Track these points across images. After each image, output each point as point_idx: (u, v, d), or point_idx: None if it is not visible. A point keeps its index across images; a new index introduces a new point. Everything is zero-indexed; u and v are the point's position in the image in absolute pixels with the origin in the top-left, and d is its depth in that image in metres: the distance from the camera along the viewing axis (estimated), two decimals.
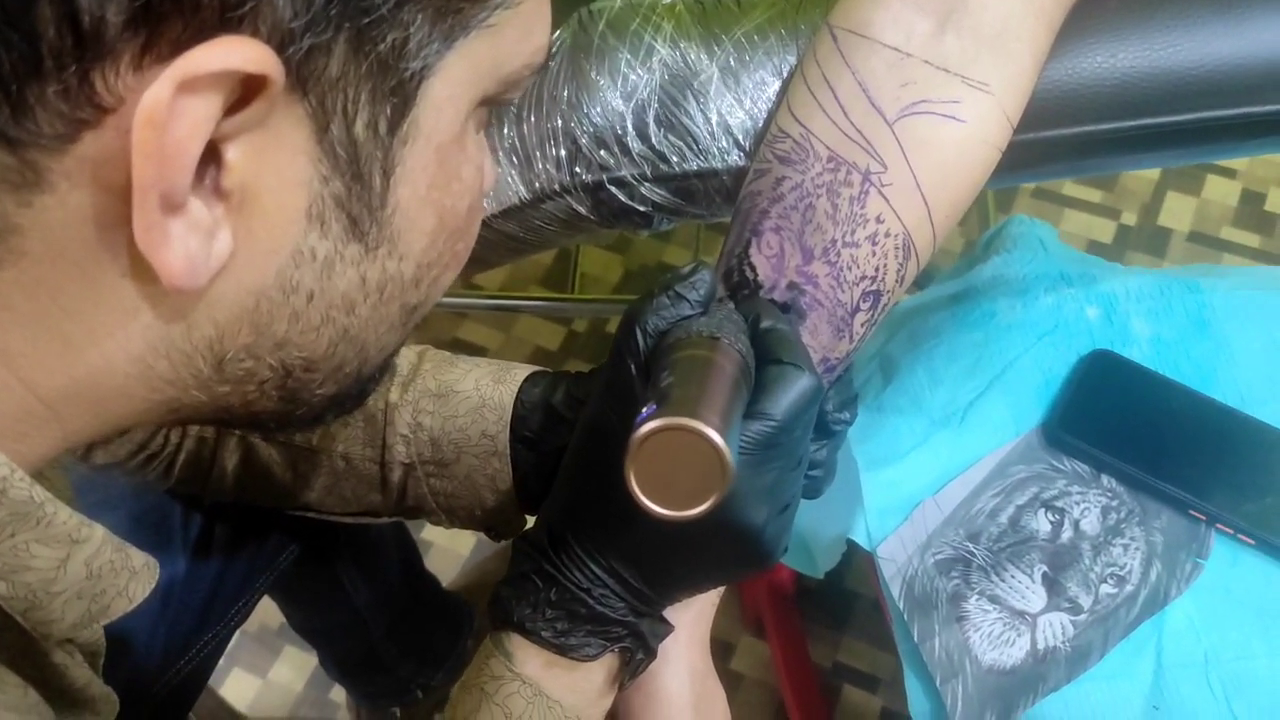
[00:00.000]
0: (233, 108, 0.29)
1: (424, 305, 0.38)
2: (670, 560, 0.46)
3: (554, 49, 0.58)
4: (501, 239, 0.63)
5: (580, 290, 1.30)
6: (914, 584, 0.72)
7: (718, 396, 0.39)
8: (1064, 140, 0.52)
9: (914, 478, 0.76)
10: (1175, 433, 0.76)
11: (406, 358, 0.60)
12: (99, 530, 0.35)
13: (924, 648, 0.70)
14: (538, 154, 0.58)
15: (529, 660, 0.47)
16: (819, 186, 0.49)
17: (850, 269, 0.49)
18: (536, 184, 0.58)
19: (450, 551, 1.30)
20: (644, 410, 0.38)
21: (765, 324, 0.46)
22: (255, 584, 0.73)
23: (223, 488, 0.63)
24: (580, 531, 0.47)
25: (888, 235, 0.49)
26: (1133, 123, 0.51)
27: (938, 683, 0.69)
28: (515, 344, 1.42)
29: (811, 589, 1.17)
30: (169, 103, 0.28)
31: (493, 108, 0.37)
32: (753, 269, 0.50)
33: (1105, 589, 0.71)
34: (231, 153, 0.30)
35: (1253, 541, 0.71)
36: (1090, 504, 0.74)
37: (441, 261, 0.37)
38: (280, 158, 0.31)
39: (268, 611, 0.96)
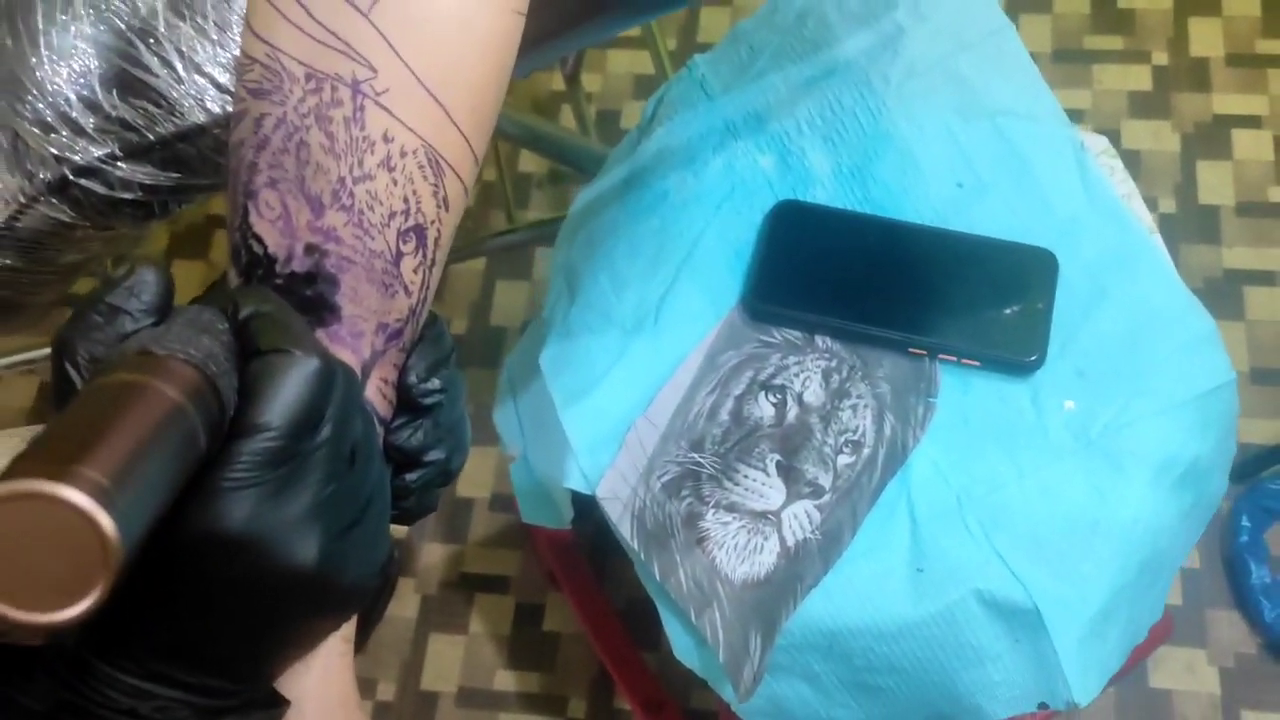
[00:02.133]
0: None
1: None
2: (224, 639, 0.36)
3: None
4: (9, 275, 0.50)
5: None
6: (644, 516, 0.64)
7: (117, 439, 0.27)
8: None
9: (618, 399, 0.67)
10: (877, 270, 0.69)
11: None
12: None
13: (669, 584, 0.62)
14: None
15: None
16: (305, 115, 0.38)
17: (373, 209, 0.39)
18: None
19: None
20: None
21: (245, 312, 0.35)
22: None
23: None
24: (92, 641, 0.35)
25: (404, 154, 0.38)
26: None
27: (692, 617, 0.61)
28: None
29: (599, 526, 1.09)
30: None
31: None
32: (259, 240, 0.39)
33: (843, 460, 0.64)
34: None
35: (977, 363, 0.65)
36: (810, 372, 0.67)
37: None
38: None
39: None
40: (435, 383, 0.42)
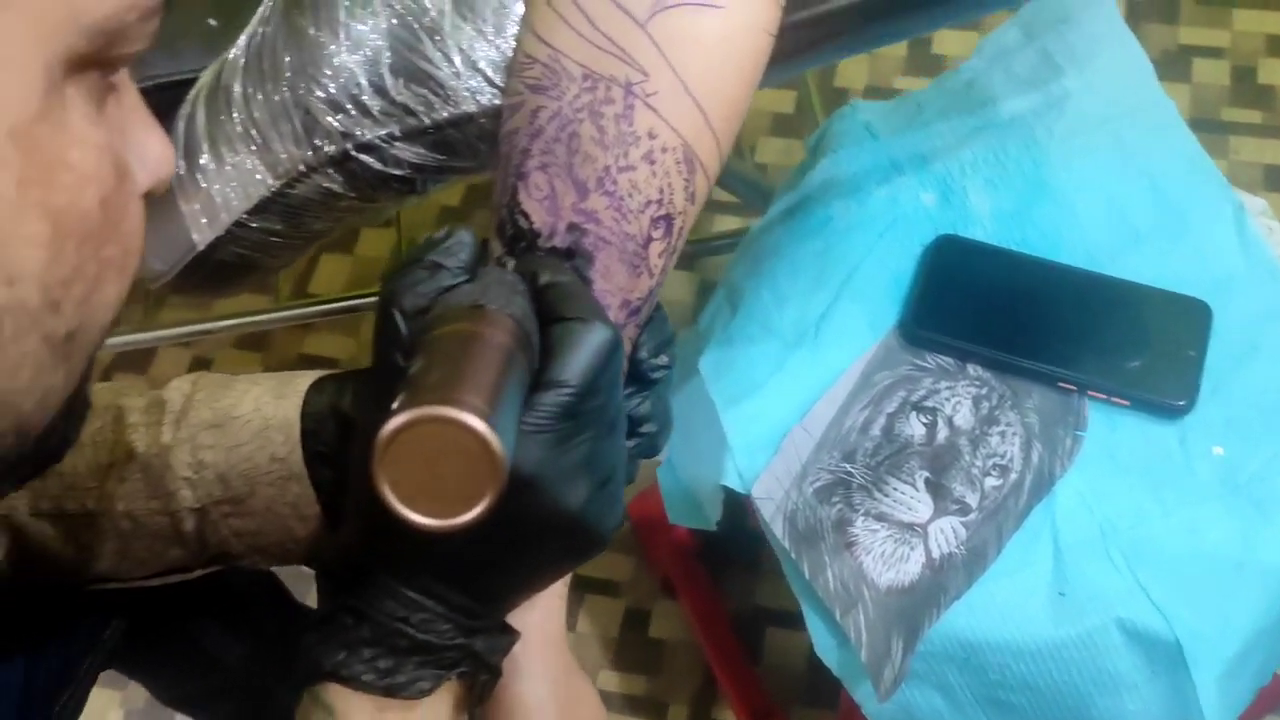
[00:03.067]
0: None
1: (84, 331, 0.31)
2: (490, 566, 0.40)
3: (267, 11, 0.51)
4: (264, 237, 0.56)
5: None
6: (796, 518, 0.68)
7: (482, 375, 0.33)
8: (843, 10, 0.47)
9: (776, 407, 0.71)
10: (1032, 307, 0.72)
11: (179, 389, 0.53)
12: None
13: (817, 583, 0.66)
14: (273, 133, 0.51)
15: (355, 711, 0.41)
16: (579, 110, 0.43)
17: (632, 196, 0.43)
18: (280, 167, 0.51)
19: None
20: (394, 405, 0.32)
21: (544, 279, 0.40)
22: (77, 671, 0.65)
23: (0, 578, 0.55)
24: (381, 555, 0.40)
25: (665, 150, 0.43)
26: None
27: (837, 616, 0.65)
28: (368, 349, 1.34)
29: (716, 537, 1.13)
30: None
31: (111, 69, 0.30)
32: (525, 217, 0.44)
33: (990, 482, 0.67)
34: None
35: (1126, 402, 0.68)
36: (960, 397, 0.70)
37: (85, 275, 0.30)
38: None
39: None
40: (663, 359, 0.46)
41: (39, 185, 0.27)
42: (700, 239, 1.24)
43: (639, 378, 0.46)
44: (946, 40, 1.45)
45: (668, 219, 0.44)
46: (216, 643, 0.82)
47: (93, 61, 0.28)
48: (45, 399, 0.31)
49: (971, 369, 0.71)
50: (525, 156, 0.44)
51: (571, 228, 0.44)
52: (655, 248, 0.44)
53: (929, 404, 0.70)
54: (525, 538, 0.39)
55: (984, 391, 0.70)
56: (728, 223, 1.33)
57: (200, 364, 1.33)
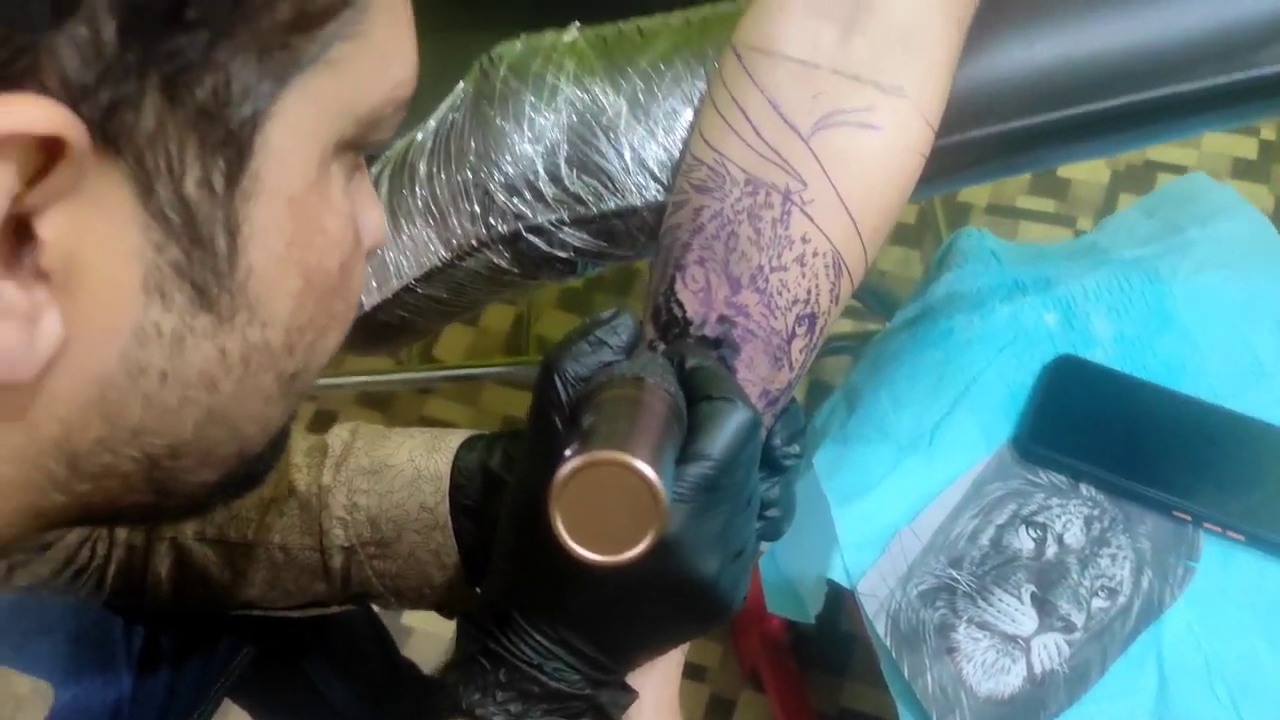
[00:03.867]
0: (35, 176, 0.26)
1: (305, 372, 0.35)
2: (623, 622, 0.43)
3: (457, 101, 0.56)
4: (427, 303, 0.60)
5: (536, 353, 1.28)
6: (899, 618, 0.69)
7: (648, 433, 0.36)
8: (989, 139, 0.50)
9: (887, 508, 0.73)
10: (1150, 433, 0.73)
11: (339, 436, 0.57)
12: None
13: (916, 685, 0.66)
14: (451, 210, 0.55)
15: None
16: (739, 212, 0.47)
17: (781, 294, 0.47)
18: (454, 241, 0.56)
19: (434, 636, 1.26)
20: (567, 452, 0.35)
21: (691, 363, 0.44)
22: (210, 692, 0.69)
23: (159, 595, 0.59)
24: (523, 603, 0.43)
25: (815, 255, 0.47)
26: (1057, 114, 0.49)
27: None
28: (484, 415, 1.39)
29: (807, 635, 1.13)
30: None
31: (365, 151, 0.34)
32: (680, 306, 0.48)
33: (1097, 603, 0.67)
34: (44, 227, 0.27)
35: (1242, 538, 0.68)
36: (1072, 516, 0.71)
37: (316, 325, 0.34)
38: (102, 228, 0.28)
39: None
40: (795, 448, 0.49)
41: (300, 246, 0.32)
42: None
43: (771, 464, 0.48)
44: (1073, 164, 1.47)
45: (812, 318, 0.47)
46: (325, 681, 0.86)
47: (352, 145, 0.32)
48: (266, 428, 0.35)
49: (1084, 489, 0.72)
50: (685, 250, 0.48)
51: (722, 319, 0.47)
52: (797, 344, 0.48)
53: (1039, 519, 0.71)
54: (659, 599, 0.42)
55: (1096, 512, 0.71)
56: (842, 325, 1.36)
57: (324, 417, 1.40)
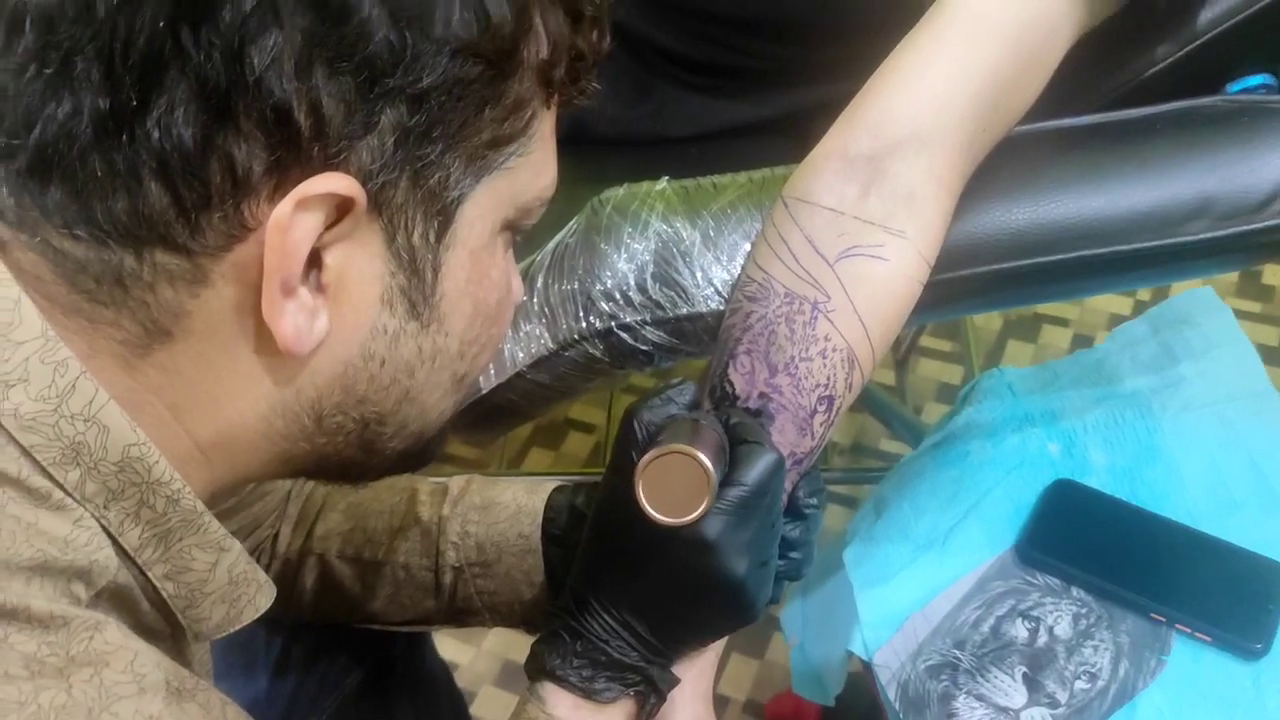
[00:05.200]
0: (331, 224, 0.43)
1: (469, 375, 0.51)
2: (671, 609, 0.57)
3: (571, 230, 0.74)
4: (534, 387, 0.76)
5: None
6: (908, 687, 0.80)
7: (703, 442, 0.51)
8: (974, 278, 0.65)
9: (904, 595, 0.85)
10: (1134, 548, 0.85)
11: (457, 481, 0.73)
12: (237, 543, 0.47)
13: None
14: (560, 312, 0.72)
15: (560, 703, 0.57)
16: (779, 316, 0.63)
17: (807, 379, 0.62)
18: (560, 336, 0.72)
19: (493, 699, 1.36)
20: (648, 452, 0.50)
21: (735, 419, 0.59)
22: (323, 706, 0.82)
23: (301, 605, 0.74)
24: (598, 591, 0.57)
25: (835, 350, 0.62)
26: (1027, 262, 0.65)
27: None
28: None
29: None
30: (290, 214, 0.41)
31: (517, 231, 0.51)
32: (730, 384, 0.63)
33: (1079, 685, 0.78)
34: (330, 258, 0.43)
35: (1209, 639, 0.79)
36: (1062, 612, 0.83)
37: (480, 341, 0.50)
38: (362, 260, 0.44)
39: None
40: (814, 501, 0.63)
41: (475, 283, 0.48)
42: (861, 469, 1.40)
43: (795, 511, 0.62)
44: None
45: (830, 399, 0.62)
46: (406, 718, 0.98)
47: (511, 225, 0.49)
48: (439, 417, 0.51)
49: (1075, 591, 0.84)
50: (736, 344, 0.64)
51: (761, 395, 0.62)
52: (819, 419, 0.62)
53: (1034, 613, 0.83)
54: (700, 591, 0.56)
55: (1084, 611, 0.83)
56: (875, 461, 1.49)
57: None
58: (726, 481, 0.54)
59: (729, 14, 0.92)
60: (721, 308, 0.68)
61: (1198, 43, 0.69)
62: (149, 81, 0.39)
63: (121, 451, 0.43)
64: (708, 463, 0.48)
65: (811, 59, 0.88)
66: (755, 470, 0.55)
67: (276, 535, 0.73)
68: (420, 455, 0.53)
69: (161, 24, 0.39)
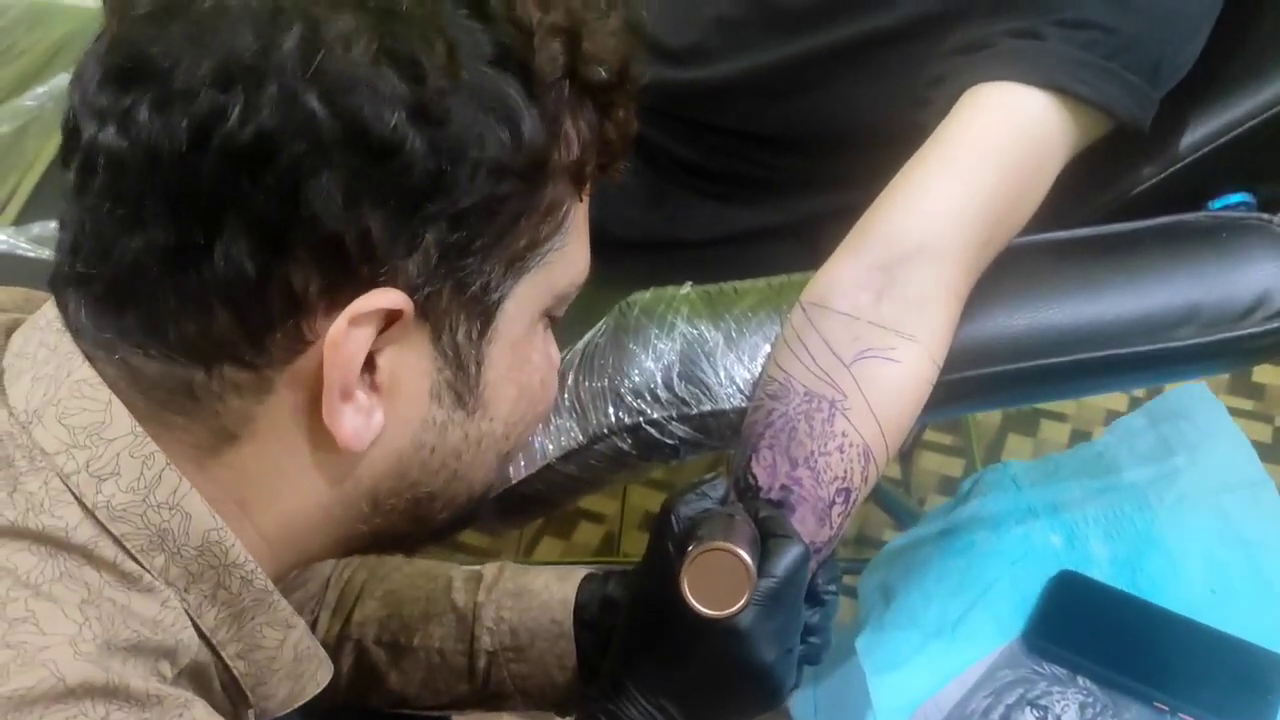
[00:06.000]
0: (383, 331, 0.46)
1: (514, 451, 0.55)
2: (706, 696, 0.60)
3: (600, 330, 0.78)
4: (563, 479, 0.80)
5: (624, 557, 1.47)
6: None
7: (741, 538, 0.55)
8: (979, 378, 0.70)
9: (915, 682, 0.88)
10: (1137, 638, 0.88)
11: (490, 568, 0.76)
12: (301, 620, 0.51)
13: None
14: (590, 408, 0.76)
15: None
16: (799, 414, 0.67)
17: (826, 472, 0.66)
18: (590, 430, 0.76)
19: None
20: (690, 547, 0.54)
21: (763, 514, 0.63)
22: None
23: (335, 688, 0.76)
24: (635, 677, 0.60)
25: (851, 445, 0.66)
26: (1027, 364, 0.69)
27: None
28: None
29: None
30: (344, 331, 0.45)
31: (554, 317, 0.54)
32: (754, 477, 0.67)
33: None
34: (382, 360, 0.47)
35: None
36: (1069, 701, 0.86)
37: (524, 421, 0.54)
38: (412, 360, 0.48)
39: None
40: (832, 588, 0.67)
41: (517, 370, 0.52)
42: (865, 561, 1.43)
43: (813, 597, 0.66)
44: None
45: (848, 491, 0.66)
46: None
47: (548, 312, 0.53)
48: (485, 489, 0.55)
49: (1081, 680, 0.87)
50: (759, 439, 0.68)
51: (783, 488, 0.66)
52: (837, 510, 0.66)
53: (1042, 701, 0.86)
54: (733, 678, 0.59)
55: (1089, 700, 0.86)
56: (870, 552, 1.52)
57: None
58: (759, 572, 0.58)
59: (741, 128, 0.98)
60: (744, 405, 0.73)
61: (1181, 164, 0.75)
62: (212, 221, 0.43)
63: (202, 536, 0.47)
64: (748, 559, 0.53)
65: (821, 170, 0.94)
66: (785, 562, 0.58)
67: (315, 621, 0.76)
68: (464, 521, 0.56)
69: (223, 171, 0.43)
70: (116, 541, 0.46)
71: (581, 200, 0.51)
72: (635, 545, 1.62)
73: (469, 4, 0.45)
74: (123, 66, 0.44)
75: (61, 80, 1.33)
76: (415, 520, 0.53)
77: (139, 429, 0.46)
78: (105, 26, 0.46)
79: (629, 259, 0.96)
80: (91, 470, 0.45)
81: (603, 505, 1.65)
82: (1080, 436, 1.64)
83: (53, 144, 1.27)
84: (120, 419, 0.46)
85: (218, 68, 0.43)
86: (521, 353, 0.52)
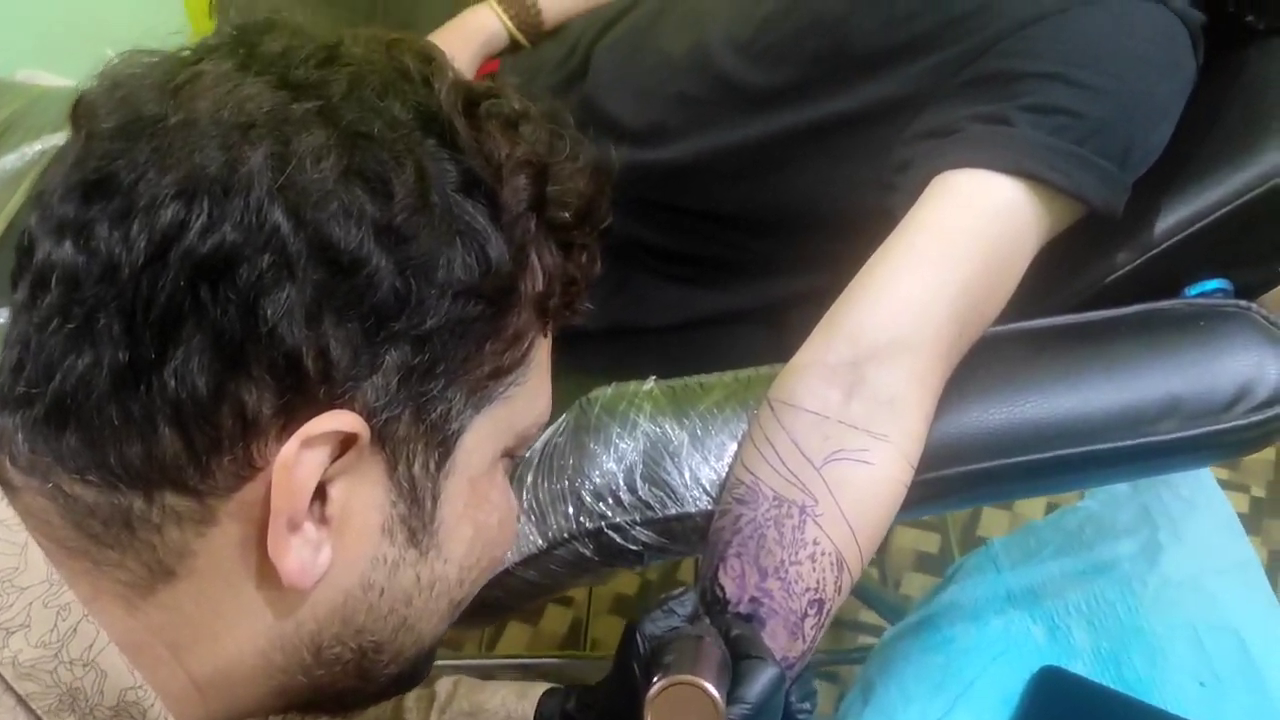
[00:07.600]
0: (337, 458, 0.43)
1: (465, 600, 0.51)
2: None
3: (560, 428, 0.75)
4: (523, 584, 0.76)
5: (591, 650, 1.41)
6: None
7: (710, 668, 0.51)
8: (955, 477, 0.67)
9: None
10: None
11: (444, 686, 0.72)
12: None
13: None
14: (550, 511, 0.73)
15: None
16: (768, 520, 0.64)
17: (797, 583, 0.62)
18: (550, 534, 0.73)
19: None
20: (655, 678, 0.50)
21: (735, 632, 0.59)
22: None
23: None
24: None
25: (824, 554, 0.62)
26: (1005, 461, 0.66)
27: None
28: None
29: None
30: (296, 453, 0.42)
31: (514, 457, 0.52)
32: (721, 589, 0.63)
33: None
34: (333, 490, 0.44)
35: None
36: None
37: (479, 566, 0.50)
38: (365, 491, 0.45)
39: None
40: (807, 705, 0.63)
41: (474, 508, 0.48)
42: (842, 649, 1.39)
43: (788, 716, 0.62)
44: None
45: (820, 602, 0.63)
46: None
47: (508, 451, 0.50)
48: (432, 642, 0.51)
49: None
50: (726, 547, 0.65)
51: (753, 600, 0.63)
52: (809, 622, 0.63)
53: None
54: None
55: None
56: (869, 640, 1.48)
57: None
58: (731, 698, 0.54)
59: (702, 208, 0.96)
60: (710, 508, 0.69)
61: (1155, 250, 0.73)
62: (167, 335, 0.41)
63: (118, 696, 0.43)
64: (717, 696, 0.49)
65: (786, 252, 0.91)
66: (757, 688, 0.55)
67: None
68: (410, 678, 0.52)
69: (182, 283, 0.40)
70: (21, 701, 0.41)
71: (545, 336, 0.50)
72: (605, 632, 1.57)
73: (438, 134, 0.44)
74: (86, 180, 0.43)
75: (7, 161, 1.30)
76: (359, 674, 0.49)
77: (55, 575, 0.42)
78: (72, 141, 0.45)
79: (590, 347, 0.92)
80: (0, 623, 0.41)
81: (571, 590, 1.60)
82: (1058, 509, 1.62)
83: None
84: (36, 565, 0.42)
85: (182, 181, 0.41)
86: (480, 490, 0.49)
